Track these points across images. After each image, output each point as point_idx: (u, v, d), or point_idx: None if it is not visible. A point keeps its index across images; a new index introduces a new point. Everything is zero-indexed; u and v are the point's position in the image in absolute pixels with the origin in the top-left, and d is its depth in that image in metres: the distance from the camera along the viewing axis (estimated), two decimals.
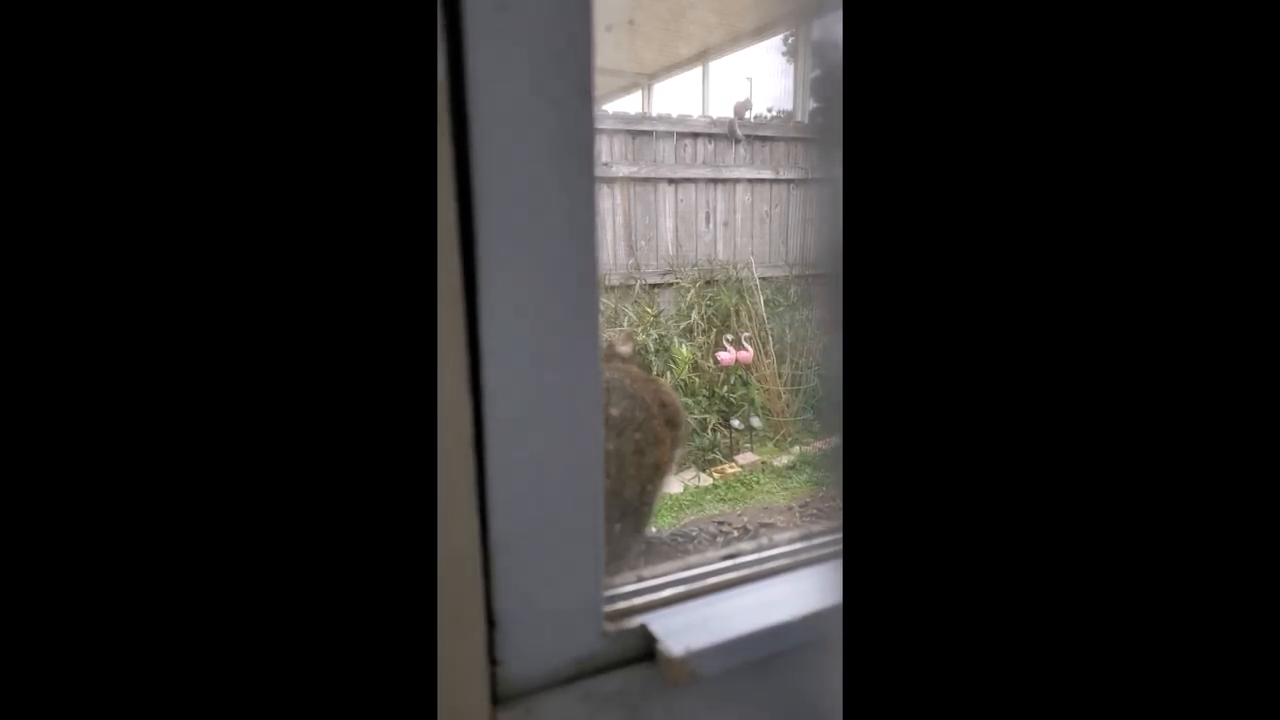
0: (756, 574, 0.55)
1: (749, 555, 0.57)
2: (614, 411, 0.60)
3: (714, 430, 3.23)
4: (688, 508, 2.78)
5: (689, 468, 3.05)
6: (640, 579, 0.52)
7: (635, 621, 0.48)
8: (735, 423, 3.30)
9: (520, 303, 0.41)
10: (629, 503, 0.60)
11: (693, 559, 0.56)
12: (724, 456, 3.17)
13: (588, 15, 0.41)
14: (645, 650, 0.48)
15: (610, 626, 0.47)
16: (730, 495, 2.89)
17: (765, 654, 0.49)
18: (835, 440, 0.44)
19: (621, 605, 0.49)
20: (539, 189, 0.40)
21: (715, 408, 3.29)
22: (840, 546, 0.43)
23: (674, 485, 2.92)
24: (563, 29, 0.40)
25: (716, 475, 3.03)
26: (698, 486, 2.95)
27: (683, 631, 0.48)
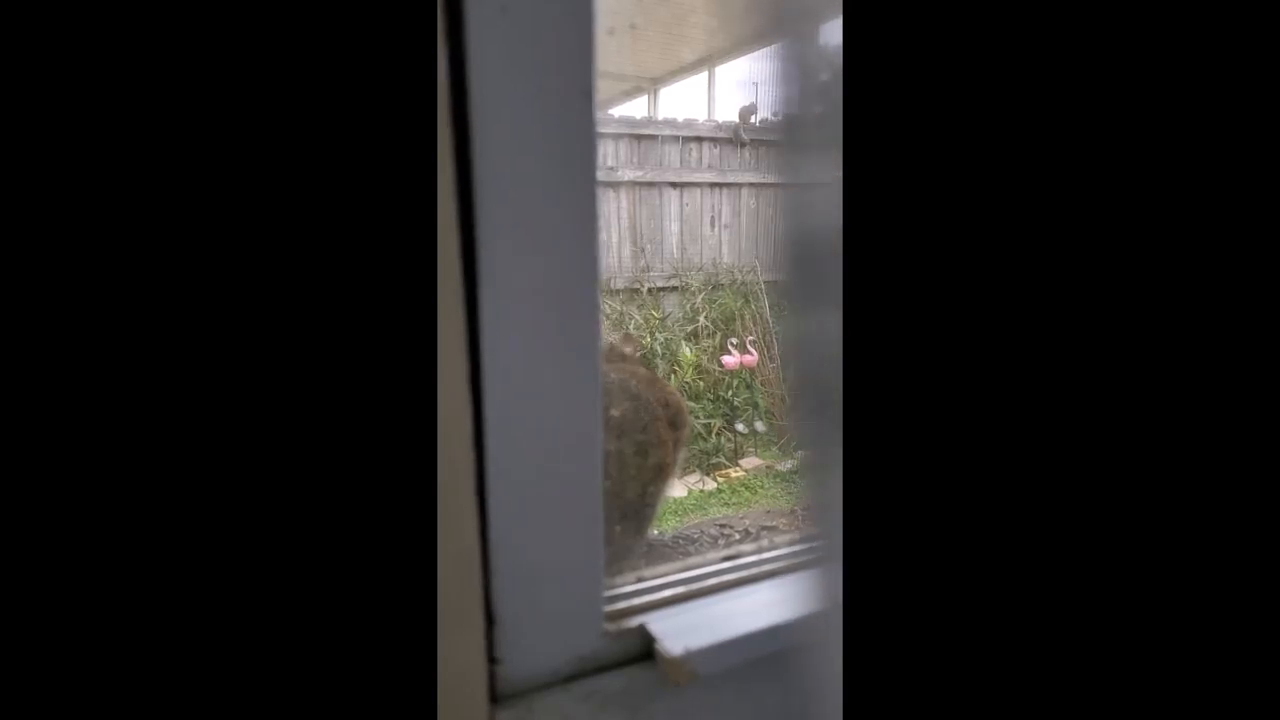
0: (756, 575, 0.55)
1: (749, 557, 0.57)
2: (615, 413, 0.60)
3: (718, 434, 3.23)
4: (691, 511, 2.78)
5: (693, 471, 3.04)
6: (640, 579, 0.53)
7: (635, 621, 0.48)
8: (739, 426, 3.29)
9: (521, 304, 0.41)
10: (630, 504, 0.61)
11: (692, 560, 0.56)
12: (728, 460, 3.16)
13: (589, 18, 0.41)
14: (645, 650, 0.48)
15: (610, 626, 0.47)
16: (734, 499, 2.88)
17: (764, 654, 0.49)
18: (806, 452, 0.44)
19: (621, 605, 0.50)
20: (540, 191, 0.41)
21: (720, 411, 3.28)
22: (822, 553, 0.43)
23: (678, 489, 2.92)
24: (564, 32, 0.40)
25: (720, 479, 3.02)
26: (702, 490, 2.94)
27: (682, 631, 0.48)
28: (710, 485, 2.99)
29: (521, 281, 0.41)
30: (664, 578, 0.53)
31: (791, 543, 0.58)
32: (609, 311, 3.59)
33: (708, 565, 0.55)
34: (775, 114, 0.43)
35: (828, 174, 0.43)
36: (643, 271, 3.85)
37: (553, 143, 0.40)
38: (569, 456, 0.45)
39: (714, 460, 3.15)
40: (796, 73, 0.40)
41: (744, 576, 0.55)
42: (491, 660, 0.43)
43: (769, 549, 0.58)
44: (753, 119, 4.47)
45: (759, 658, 0.49)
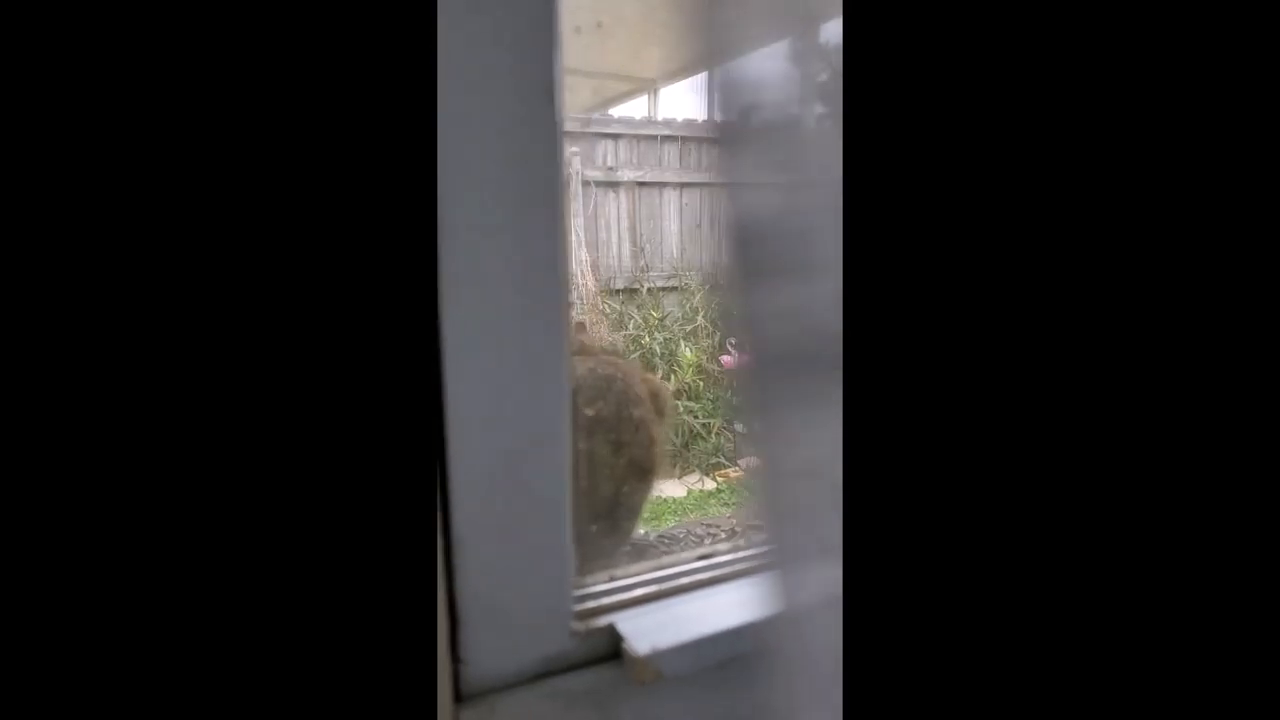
0: (730, 574, 0.55)
1: (723, 556, 0.56)
2: (590, 411, 0.60)
3: (717, 434, 3.23)
4: (691, 511, 2.78)
5: (692, 471, 3.04)
6: (612, 579, 0.53)
7: (604, 621, 0.48)
8: (739, 426, 3.28)
9: (483, 301, 0.41)
10: (606, 502, 0.61)
11: (666, 559, 0.56)
12: (728, 460, 3.16)
13: (550, 17, 0.41)
14: (615, 650, 0.48)
15: (579, 626, 0.47)
16: (734, 499, 2.88)
17: (734, 654, 0.48)
18: (753, 461, 0.44)
19: (591, 605, 0.50)
20: (500, 189, 0.41)
21: (719, 411, 3.28)
22: (779, 556, 0.43)
23: (677, 489, 2.92)
24: (523, 31, 0.40)
25: (720, 479, 3.02)
26: (701, 490, 2.94)
27: (651, 631, 0.48)
28: (710, 485, 2.99)
29: (483, 278, 0.41)
30: (636, 577, 0.53)
31: (762, 542, 0.58)
32: (608, 311, 3.59)
33: (681, 564, 0.55)
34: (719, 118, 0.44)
35: (766, 174, 0.43)
36: (642, 271, 3.85)
37: (512, 140, 0.40)
38: (535, 454, 0.45)
39: (714, 460, 3.14)
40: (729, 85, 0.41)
41: (718, 575, 0.55)
42: (456, 660, 0.43)
43: (744, 548, 0.58)
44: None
45: (730, 657, 0.49)
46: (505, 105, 0.40)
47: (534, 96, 0.41)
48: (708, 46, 0.40)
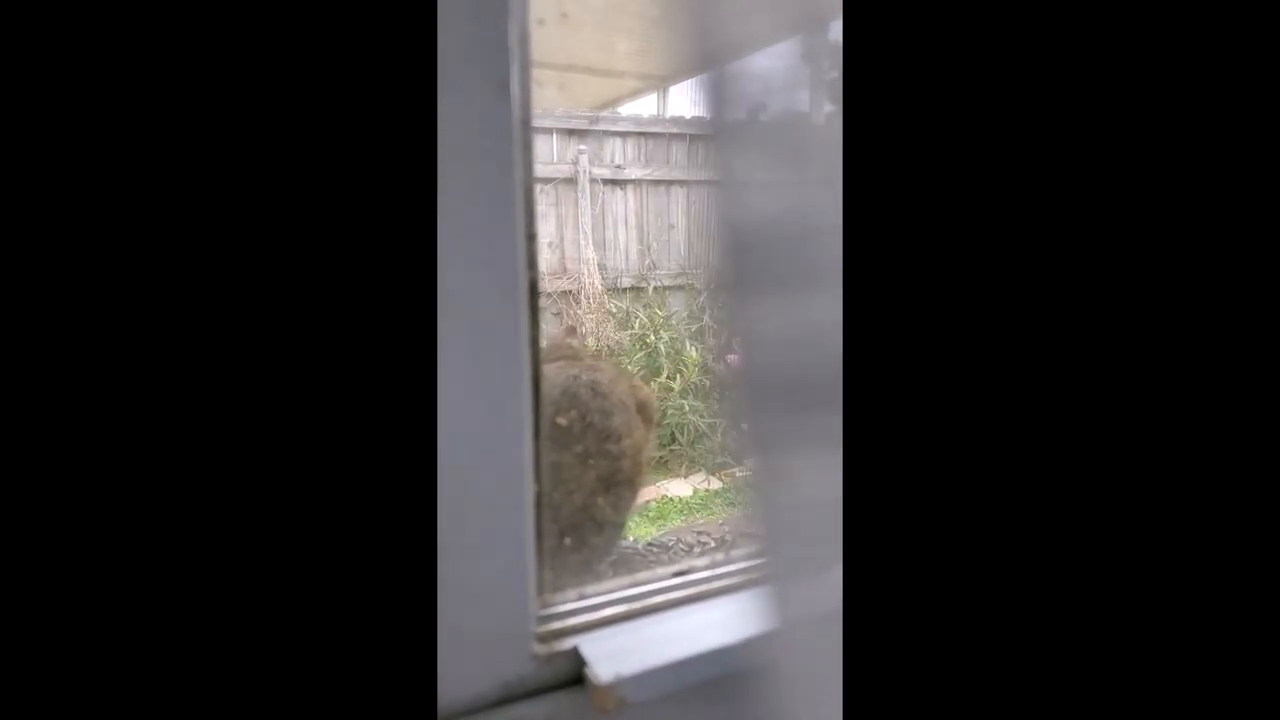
0: (707, 592, 0.53)
1: (700, 573, 0.54)
2: (561, 421, 0.58)
3: (723, 433, 3.20)
4: (697, 511, 2.76)
5: (698, 470, 3.02)
6: (581, 597, 0.50)
7: (569, 643, 0.46)
8: (744, 426, 3.26)
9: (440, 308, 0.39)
10: (578, 515, 0.58)
11: (640, 575, 0.53)
12: (733, 459, 3.14)
13: (503, 12, 0.39)
14: (578, 674, 0.46)
15: (541, 648, 0.45)
16: (739, 498, 2.86)
17: (703, 680, 0.46)
18: (749, 464, 0.42)
19: (556, 626, 0.47)
20: (451, 187, 0.38)
21: (724, 410, 3.25)
22: (771, 570, 0.41)
23: (684, 488, 2.90)
24: (474, 25, 0.38)
25: (725, 478, 3.00)
26: (707, 490, 2.92)
27: (617, 655, 0.45)
28: (716, 484, 2.96)
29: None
30: (607, 595, 0.51)
31: (746, 557, 0.56)
32: (614, 310, 3.57)
33: (656, 581, 0.53)
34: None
35: (760, 173, 0.41)
36: (649, 270, 3.83)
37: (463, 137, 0.38)
38: (496, 468, 0.42)
39: (719, 459, 3.12)
40: (724, 84, 0.39)
41: (694, 594, 0.53)
42: None
43: (723, 564, 0.55)
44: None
45: (700, 682, 0.46)
46: (454, 100, 0.38)
47: (487, 91, 0.39)
48: (709, 43, 0.39)
